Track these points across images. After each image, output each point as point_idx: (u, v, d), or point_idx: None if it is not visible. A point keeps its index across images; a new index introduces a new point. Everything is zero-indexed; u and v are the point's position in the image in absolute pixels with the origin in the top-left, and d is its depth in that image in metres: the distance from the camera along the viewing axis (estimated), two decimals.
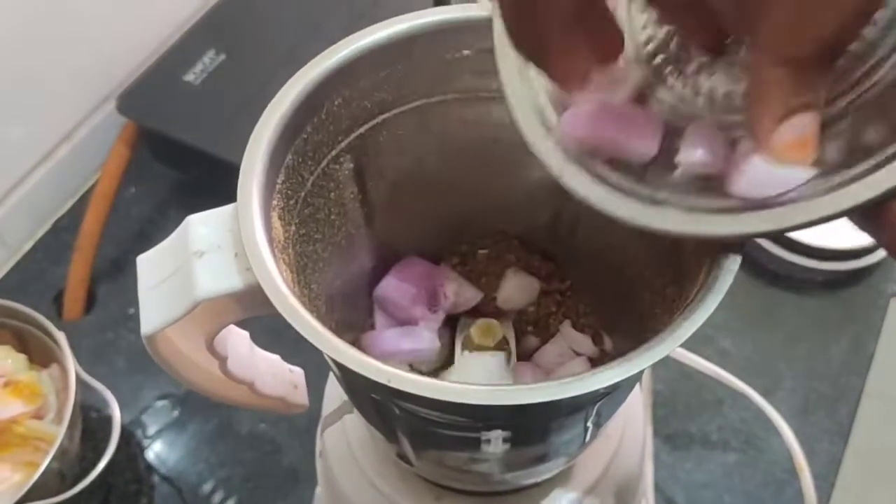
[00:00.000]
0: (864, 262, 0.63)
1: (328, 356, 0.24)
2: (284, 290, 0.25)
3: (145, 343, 0.29)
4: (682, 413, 0.58)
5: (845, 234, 0.64)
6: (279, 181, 0.29)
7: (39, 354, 0.55)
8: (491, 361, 0.36)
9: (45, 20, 0.61)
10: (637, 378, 0.34)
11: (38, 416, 0.53)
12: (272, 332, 0.37)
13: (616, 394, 0.30)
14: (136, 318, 0.67)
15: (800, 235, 0.63)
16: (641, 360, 0.23)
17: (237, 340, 0.33)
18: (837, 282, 0.64)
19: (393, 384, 0.22)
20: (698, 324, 0.24)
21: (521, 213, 0.39)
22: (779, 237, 0.64)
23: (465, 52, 0.32)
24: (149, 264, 0.28)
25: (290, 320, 0.24)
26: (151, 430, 0.59)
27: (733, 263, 0.24)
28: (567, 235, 0.38)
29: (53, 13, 0.62)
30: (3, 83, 0.60)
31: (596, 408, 0.28)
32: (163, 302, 0.27)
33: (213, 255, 0.27)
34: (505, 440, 0.28)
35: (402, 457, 0.33)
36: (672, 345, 0.23)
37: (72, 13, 0.63)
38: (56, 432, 0.50)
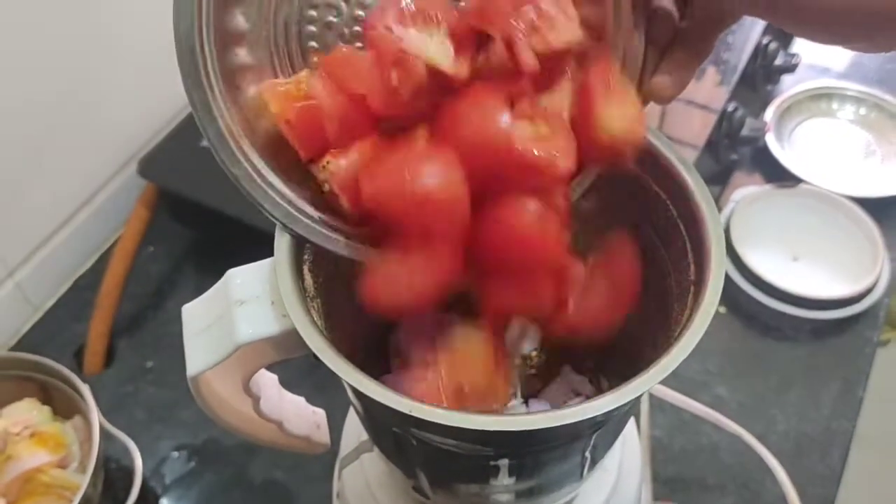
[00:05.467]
0: (850, 311, 0.66)
1: (355, 391, 0.27)
2: (317, 333, 0.28)
3: (190, 384, 0.31)
4: (679, 457, 0.60)
5: (833, 285, 0.67)
6: None
7: (63, 406, 0.57)
8: None
9: (69, 90, 0.65)
10: (629, 412, 0.37)
11: (62, 465, 0.55)
12: (292, 377, 0.40)
13: (610, 424, 0.32)
14: (154, 372, 0.68)
15: (789, 286, 0.66)
16: (629, 392, 0.26)
17: (268, 383, 0.36)
18: (825, 330, 0.67)
19: (414, 413, 0.25)
20: (679, 360, 0.27)
21: None
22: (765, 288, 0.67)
23: None
24: (193, 313, 0.31)
25: (323, 359, 0.27)
26: (168, 480, 0.60)
27: (710, 306, 0.27)
28: None
29: (78, 82, 0.65)
30: (28, 148, 0.64)
31: (593, 438, 0.31)
32: (206, 347, 0.30)
33: (252, 303, 0.30)
34: (511, 471, 0.31)
35: (419, 490, 0.36)
36: (656, 378, 0.26)
37: (96, 82, 0.67)
38: (80, 481, 0.52)
